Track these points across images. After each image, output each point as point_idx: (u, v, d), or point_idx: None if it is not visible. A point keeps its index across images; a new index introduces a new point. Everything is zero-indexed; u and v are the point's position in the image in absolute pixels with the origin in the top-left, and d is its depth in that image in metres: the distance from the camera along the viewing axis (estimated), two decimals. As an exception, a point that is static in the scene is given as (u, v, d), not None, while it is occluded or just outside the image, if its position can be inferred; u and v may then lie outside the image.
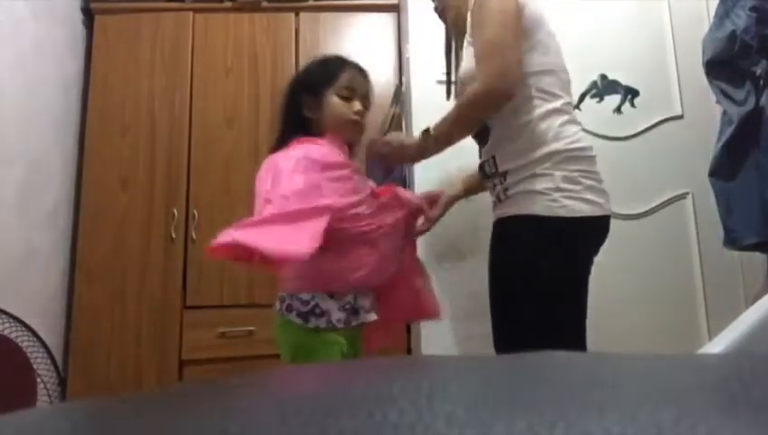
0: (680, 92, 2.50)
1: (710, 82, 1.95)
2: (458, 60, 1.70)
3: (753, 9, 1.78)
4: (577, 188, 1.43)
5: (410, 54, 2.52)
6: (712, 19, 2.01)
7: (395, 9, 2.86)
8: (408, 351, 2.44)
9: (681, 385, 0.28)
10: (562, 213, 1.41)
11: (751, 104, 1.79)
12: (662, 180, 2.42)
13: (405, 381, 0.30)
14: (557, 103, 1.49)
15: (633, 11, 2.55)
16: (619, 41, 2.51)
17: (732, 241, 1.91)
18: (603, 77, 2.50)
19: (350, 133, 1.63)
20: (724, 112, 1.92)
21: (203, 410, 0.32)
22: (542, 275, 1.44)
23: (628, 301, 2.27)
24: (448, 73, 1.81)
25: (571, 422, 0.22)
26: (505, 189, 1.52)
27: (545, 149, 1.45)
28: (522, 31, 1.49)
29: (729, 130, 1.85)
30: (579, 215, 1.42)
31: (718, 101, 1.95)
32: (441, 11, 1.77)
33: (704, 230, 2.35)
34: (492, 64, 1.43)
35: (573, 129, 1.50)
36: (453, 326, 2.24)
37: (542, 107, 1.48)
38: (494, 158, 1.55)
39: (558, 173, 1.43)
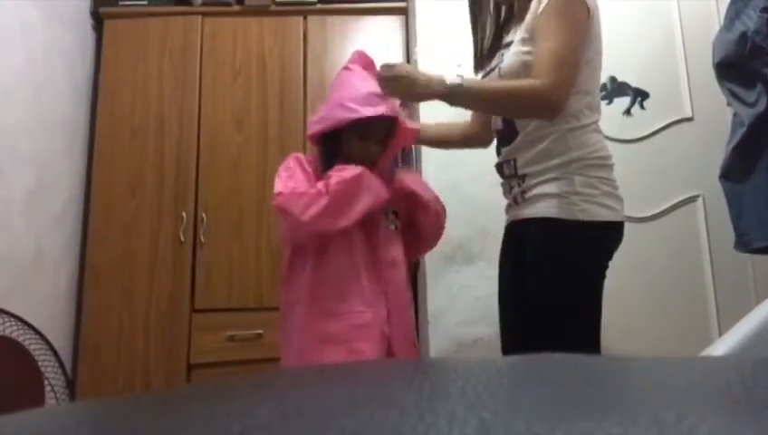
0: (690, 94, 2.48)
1: (720, 83, 1.94)
2: (493, 36, 1.67)
3: (764, 10, 1.76)
4: (595, 192, 1.44)
5: (418, 57, 2.52)
6: (722, 20, 1.99)
7: (402, 12, 2.86)
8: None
9: (682, 387, 0.27)
10: (581, 216, 1.42)
11: (762, 106, 1.77)
12: (672, 183, 2.41)
13: (406, 382, 0.30)
14: (588, 120, 1.50)
15: (642, 12, 2.54)
16: (628, 43, 2.50)
17: (743, 244, 1.89)
18: (613, 79, 2.49)
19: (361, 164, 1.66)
20: (735, 114, 1.90)
21: (206, 410, 0.32)
22: (558, 278, 1.44)
23: (638, 304, 2.25)
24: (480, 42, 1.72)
25: (572, 423, 0.22)
26: (523, 192, 1.52)
27: (567, 157, 1.46)
28: (586, 38, 1.47)
29: (740, 132, 1.84)
30: (597, 219, 1.43)
31: (729, 103, 1.93)
32: None
33: (714, 233, 2.33)
34: (553, 75, 1.38)
35: (596, 137, 1.51)
36: (460, 329, 2.24)
37: (575, 123, 1.48)
38: (514, 160, 1.55)
39: (578, 178, 1.44)
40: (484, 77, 1.65)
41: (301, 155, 1.67)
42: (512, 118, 1.55)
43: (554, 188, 1.45)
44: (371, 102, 1.57)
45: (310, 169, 1.61)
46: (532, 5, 1.50)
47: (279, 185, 1.56)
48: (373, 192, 1.58)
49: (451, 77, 1.45)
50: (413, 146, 1.97)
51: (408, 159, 1.88)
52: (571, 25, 1.42)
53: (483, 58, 1.70)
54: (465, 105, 1.54)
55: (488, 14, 1.69)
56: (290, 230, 1.58)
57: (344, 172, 1.54)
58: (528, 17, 1.51)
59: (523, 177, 1.52)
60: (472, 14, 1.73)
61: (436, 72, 1.49)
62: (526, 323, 1.50)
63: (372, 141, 1.65)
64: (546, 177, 1.47)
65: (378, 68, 1.57)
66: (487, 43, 1.69)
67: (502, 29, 1.69)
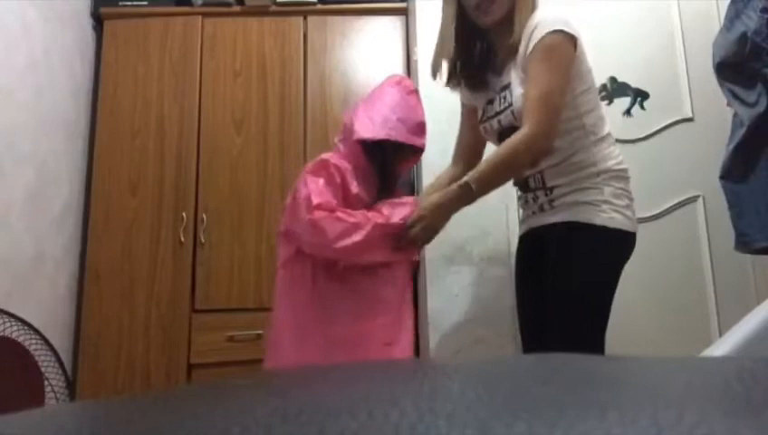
0: (690, 95, 2.48)
1: (721, 84, 1.93)
2: (485, 59, 1.72)
3: (764, 10, 1.76)
4: (621, 203, 1.54)
5: (418, 57, 2.52)
6: (722, 21, 1.99)
7: (403, 12, 2.86)
8: (417, 354, 2.43)
9: (682, 387, 0.27)
10: (609, 224, 1.51)
11: (762, 106, 1.77)
12: (672, 183, 2.41)
13: (406, 382, 0.30)
14: (603, 133, 1.59)
15: (643, 13, 2.54)
16: (628, 43, 2.50)
17: (743, 244, 1.89)
18: (613, 80, 2.49)
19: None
20: (735, 115, 1.90)
21: (206, 410, 0.32)
22: (579, 276, 1.51)
23: (638, 304, 2.25)
24: (463, 60, 1.72)
25: (572, 423, 0.22)
26: (551, 201, 1.60)
27: (595, 169, 1.55)
28: (577, 73, 1.55)
29: (740, 133, 1.84)
30: (620, 228, 1.52)
31: (729, 104, 1.93)
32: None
33: (715, 233, 2.33)
34: (542, 120, 1.47)
35: (616, 151, 1.61)
36: (461, 330, 2.24)
37: (592, 137, 1.57)
38: (541, 173, 1.60)
39: (606, 188, 1.53)
40: (493, 118, 1.67)
41: (329, 159, 1.64)
42: (521, 173, 1.63)
43: (585, 197, 1.54)
44: (419, 133, 1.72)
45: (339, 180, 1.61)
46: (522, 46, 1.56)
47: (315, 195, 1.54)
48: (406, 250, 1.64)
49: (454, 184, 1.55)
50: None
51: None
52: (557, 66, 1.50)
53: (476, 91, 1.76)
54: (482, 192, 1.55)
55: (452, 43, 1.68)
56: (313, 246, 1.57)
57: (395, 212, 1.60)
58: (519, 58, 1.57)
59: (552, 188, 1.59)
60: (441, 35, 1.72)
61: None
62: (547, 322, 1.55)
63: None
64: (576, 187, 1.55)
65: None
66: (471, 78, 1.74)
67: (488, 65, 1.70)
